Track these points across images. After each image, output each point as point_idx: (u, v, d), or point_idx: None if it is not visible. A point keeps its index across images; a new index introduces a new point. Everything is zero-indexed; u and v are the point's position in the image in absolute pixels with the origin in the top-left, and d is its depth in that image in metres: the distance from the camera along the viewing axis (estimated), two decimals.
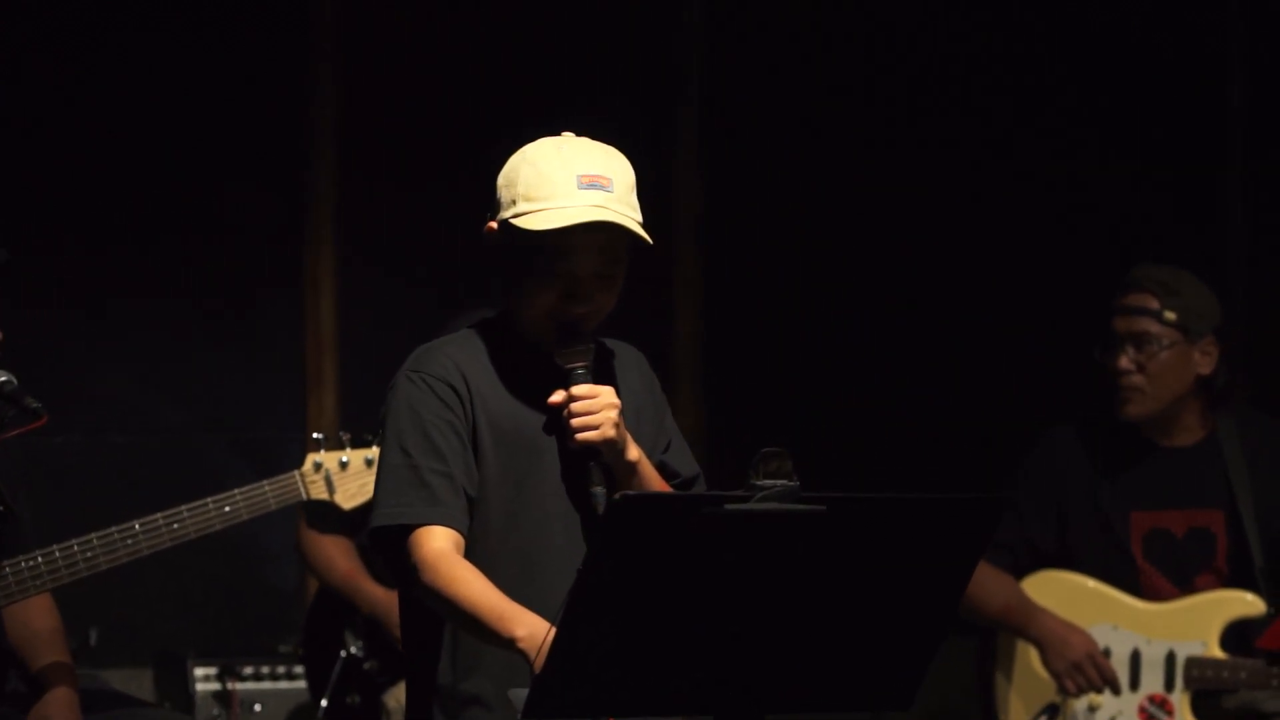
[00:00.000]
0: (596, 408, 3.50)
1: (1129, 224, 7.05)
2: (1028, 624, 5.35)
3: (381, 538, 3.51)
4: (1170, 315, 5.30)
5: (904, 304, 6.97)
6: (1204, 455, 5.39)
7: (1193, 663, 5.25)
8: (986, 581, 5.27)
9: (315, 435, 4.81)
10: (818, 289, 6.96)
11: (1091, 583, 5.37)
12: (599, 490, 3.47)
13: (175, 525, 4.53)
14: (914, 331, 6.96)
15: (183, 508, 4.55)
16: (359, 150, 6.67)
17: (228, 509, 4.59)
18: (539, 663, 3.14)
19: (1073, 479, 5.40)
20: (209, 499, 4.57)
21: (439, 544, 3.43)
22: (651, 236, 3.57)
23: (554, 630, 3.03)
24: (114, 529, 4.49)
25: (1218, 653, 5.25)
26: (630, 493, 3.31)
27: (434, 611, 3.48)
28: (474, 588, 3.38)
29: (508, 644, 3.30)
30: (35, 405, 4.37)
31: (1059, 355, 6.88)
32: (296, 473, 4.72)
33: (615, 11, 6.86)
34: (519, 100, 6.58)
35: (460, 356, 3.56)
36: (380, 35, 6.69)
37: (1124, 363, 5.32)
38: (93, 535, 4.47)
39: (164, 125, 6.47)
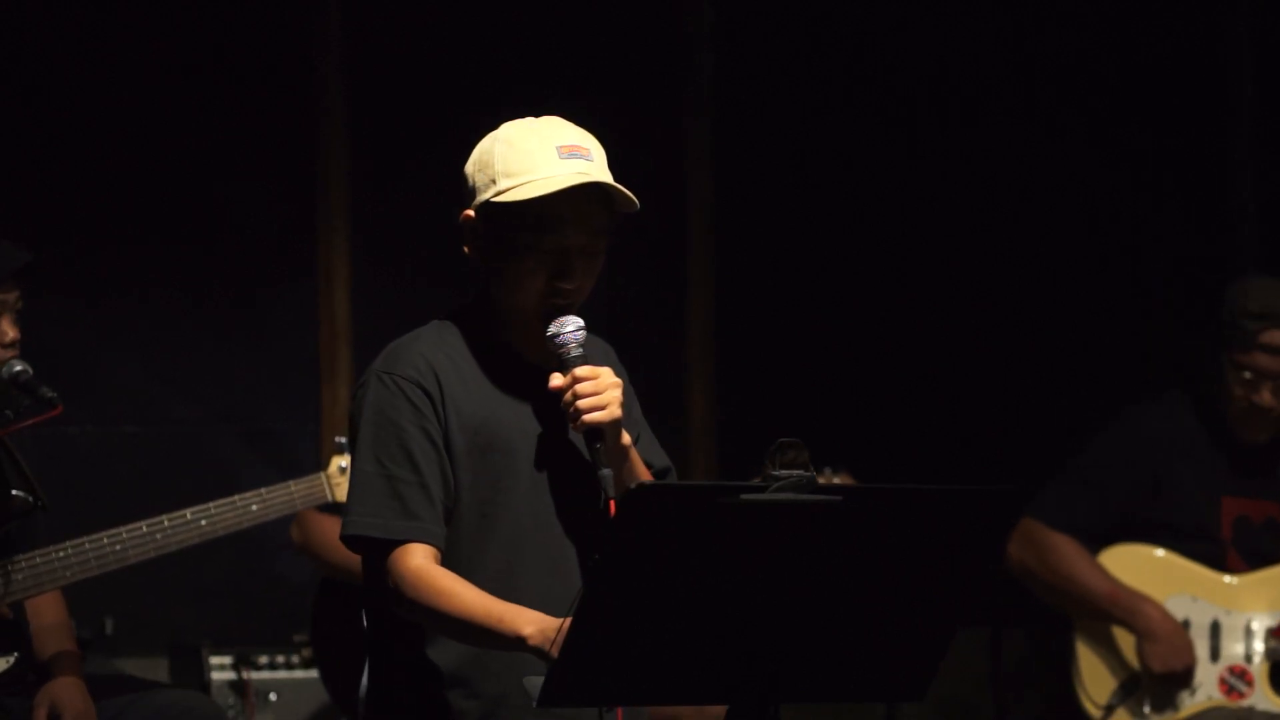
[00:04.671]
0: (602, 388, 3.46)
1: (1138, 218, 7.06)
2: (1136, 612, 5.40)
3: (351, 545, 3.50)
4: None
5: (914, 297, 6.97)
6: (1274, 449, 5.49)
7: (1272, 633, 5.29)
8: (1082, 559, 5.43)
9: (338, 439, 4.81)
10: (829, 282, 6.96)
11: (1168, 554, 5.45)
12: (607, 472, 3.41)
13: (204, 522, 4.54)
14: (923, 324, 6.96)
15: (210, 505, 4.56)
16: (371, 142, 6.67)
17: (255, 507, 4.60)
18: (555, 652, 3.14)
19: (1168, 454, 5.50)
20: (235, 497, 4.58)
21: (418, 560, 3.41)
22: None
23: (569, 620, 3.03)
24: (143, 523, 4.50)
25: None
26: (646, 483, 3.32)
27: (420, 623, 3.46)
28: (464, 597, 3.36)
29: (516, 644, 3.28)
30: (50, 395, 4.39)
31: (1070, 347, 6.90)
32: (323, 474, 4.73)
33: (628, 8, 6.87)
34: (529, 89, 6.58)
35: (433, 354, 3.52)
36: (390, 28, 6.69)
37: (1267, 399, 5.42)
38: (121, 529, 4.48)
39: (176, 119, 6.47)
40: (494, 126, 3.62)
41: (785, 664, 3.11)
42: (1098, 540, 5.47)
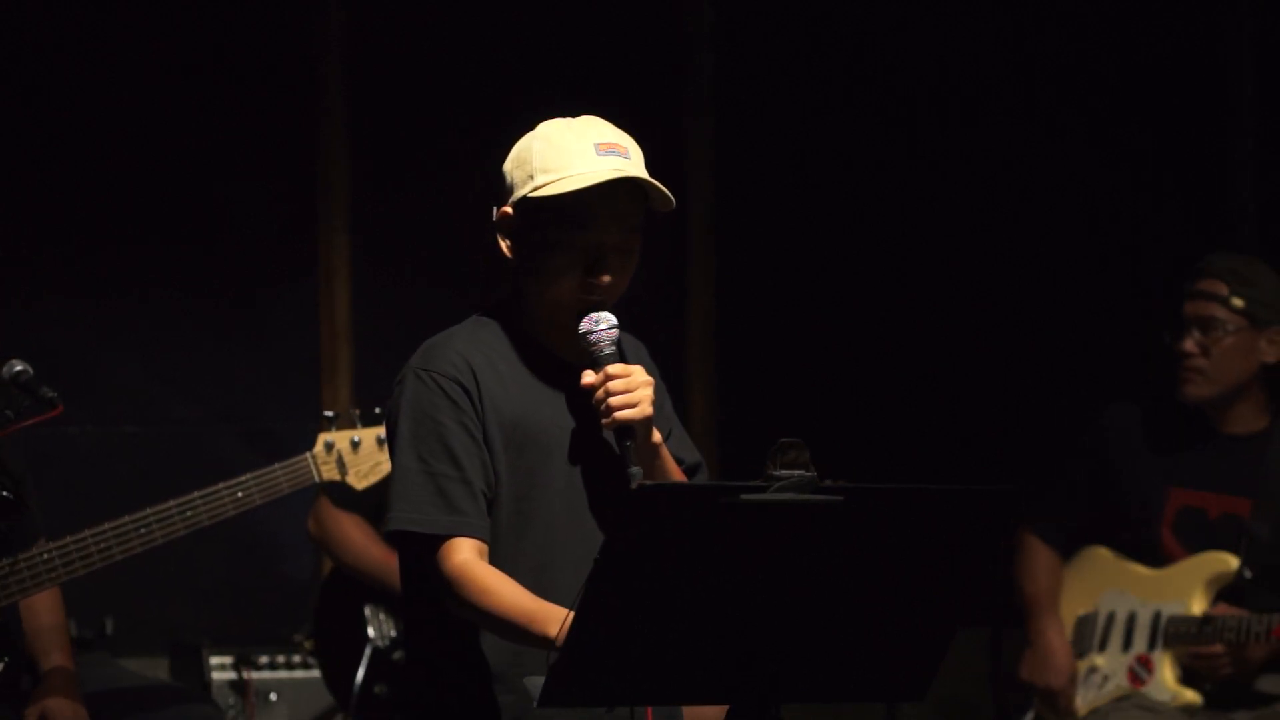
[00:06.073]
0: (634, 385, 3.47)
1: (1138, 218, 7.06)
2: (1033, 621, 5.46)
3: (396, 541, 3.52)
4: (1237, 302, 5.39)
5: (913, 297, 6.97)
6: (1256, 445, 5.45)
7: (1171, 621, 5.32)
8: (1035, 561, 5.47)
9: (326, 414, 4.78)
10: (829, 282, 6.96)
11: (1106, 551, 5.48)
12: (637, 470, 3.42)
13: (188, 512, 4.52)
14: (923, 324, 6.96)
15: (195, 494, 4.54)
16: (372, 140, 6.68)
17: (240, 494, 4.57)
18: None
19: (1124, 451, 5.49)
20: (221, 484, 4.56)
21: (463, 556, 3.42)
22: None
23: (570, 614, 3.04)
24: (127, 518, 4.48)
25: (1195, 611, 5.31)
26: (647, 483, 3.32)
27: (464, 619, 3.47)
28: (503, 595, 3.38)
29: (546, 644, 3.28)
30: (51, 395, 4.38)
31: (1069, 347, 6.89)
32: (308, 454, 4.70)
33: (628, 8, 6.87)
34: (530, 87, 6.59)
35: (470, 351, 3.52)
36: (391, 28, 6.69)
37: (1188, 345, 5.42)
38: (106, 525, 4.46)
39: (176, 119, 6.48)
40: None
41: (785, 664, 3.11)
42: (1075, 537, 5.50)
